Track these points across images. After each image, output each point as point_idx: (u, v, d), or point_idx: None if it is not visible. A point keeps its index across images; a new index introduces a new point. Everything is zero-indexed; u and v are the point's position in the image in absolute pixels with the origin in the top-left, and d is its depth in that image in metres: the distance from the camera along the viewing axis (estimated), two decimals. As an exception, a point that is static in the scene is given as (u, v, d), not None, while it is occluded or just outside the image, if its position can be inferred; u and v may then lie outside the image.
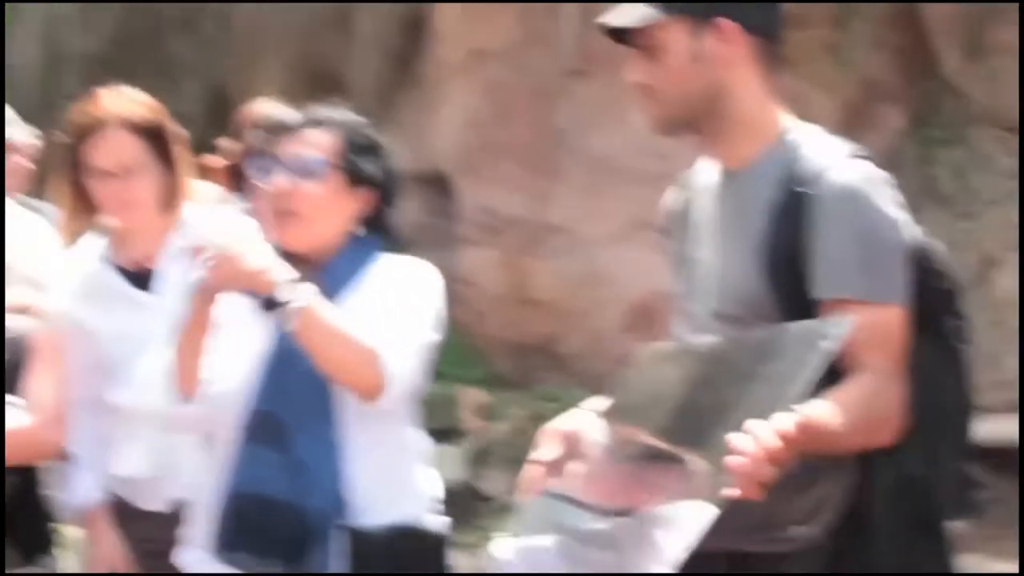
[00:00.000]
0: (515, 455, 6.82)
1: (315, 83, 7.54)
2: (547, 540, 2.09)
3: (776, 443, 1.90)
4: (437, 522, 2.72)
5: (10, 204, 3.75)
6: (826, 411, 2.08)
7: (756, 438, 1.90)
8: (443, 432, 6.22)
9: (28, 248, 3.53)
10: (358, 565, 2.56)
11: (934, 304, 2.31)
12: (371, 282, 2.68)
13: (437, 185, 7.88)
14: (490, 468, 6.83)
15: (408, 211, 8.05)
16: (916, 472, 2.25)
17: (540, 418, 7.31)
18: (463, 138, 7.70)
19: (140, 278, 3.11)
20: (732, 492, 1.89)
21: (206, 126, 5.65)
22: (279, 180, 2.65)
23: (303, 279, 2.58)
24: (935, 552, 2.28)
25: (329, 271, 2.67)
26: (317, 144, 2.68)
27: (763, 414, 1.93)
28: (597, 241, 7.37)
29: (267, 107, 4.01)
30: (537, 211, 7.55)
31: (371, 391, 2.55)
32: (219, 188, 3.95)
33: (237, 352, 2.64)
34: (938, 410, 2.29)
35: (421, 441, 2.76)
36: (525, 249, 7.57)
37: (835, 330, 1.99)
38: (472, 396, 7.11)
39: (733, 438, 1.91)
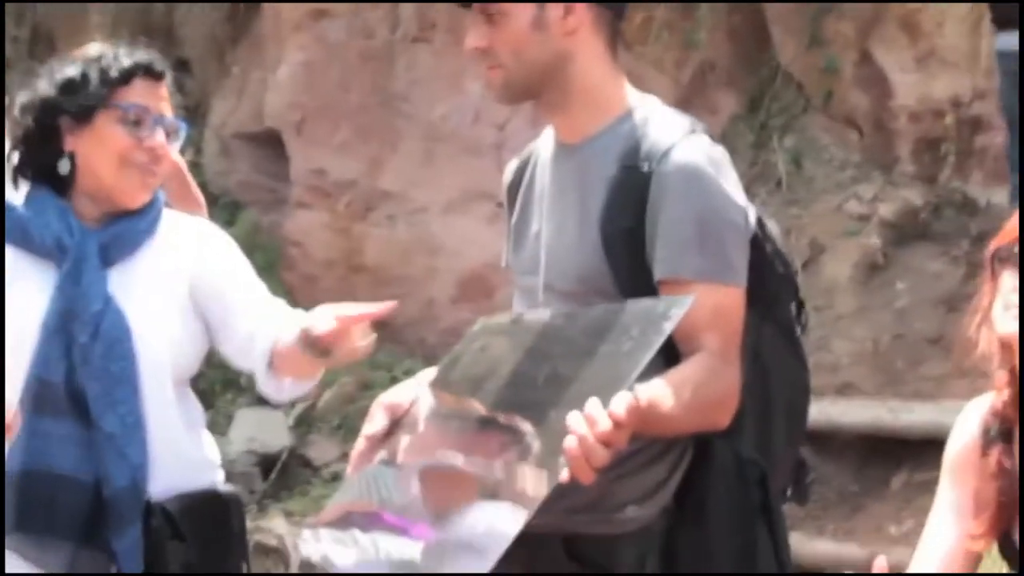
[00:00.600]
0: (342, 422, 6.77)
1: (144, 32, 7.32)
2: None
3: (611, 426, 1.86)
4: (228, 487, 2.66)
5: None
6: (662, 392, 2.06)
7: (591, 421, 1.86)
8: (268, 398, 6.13)
9: None
10: (156, 538, 2.46)
11: (772, 287, 2.31)
12: (167, 237, 2.59)
13: (269, 144, 7.73)
14: (316, 434, 6.75)
15: (239, 170, 7.96)
16: (751, 455, 2.25)
17: (368, 386, 7.25)
18: (298, 98, 7.56)
19: None
20: (564, 475, 1.85)
21: (31, 73, 5.42)
22: (159, 139, 2.53)
23: (104, 226, 2.50)
24: (769, 534, 2.28)
25: (132, 223, 2.56)
26: (168, 100, 2.57)
27: (600, 392, 1.89)
28: (430, 209, 7.32)
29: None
30: (370, 176, 7.47)
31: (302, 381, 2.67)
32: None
33: (13, 315, 2.46)
34: (774, 393, 2.29)
35: (199, 407, 2.67)
36: (357, 215, 7.48)
37: (675, 310, 1.95)
38: (298, 362, 7.00)
39: (569, 420, 1.86)
